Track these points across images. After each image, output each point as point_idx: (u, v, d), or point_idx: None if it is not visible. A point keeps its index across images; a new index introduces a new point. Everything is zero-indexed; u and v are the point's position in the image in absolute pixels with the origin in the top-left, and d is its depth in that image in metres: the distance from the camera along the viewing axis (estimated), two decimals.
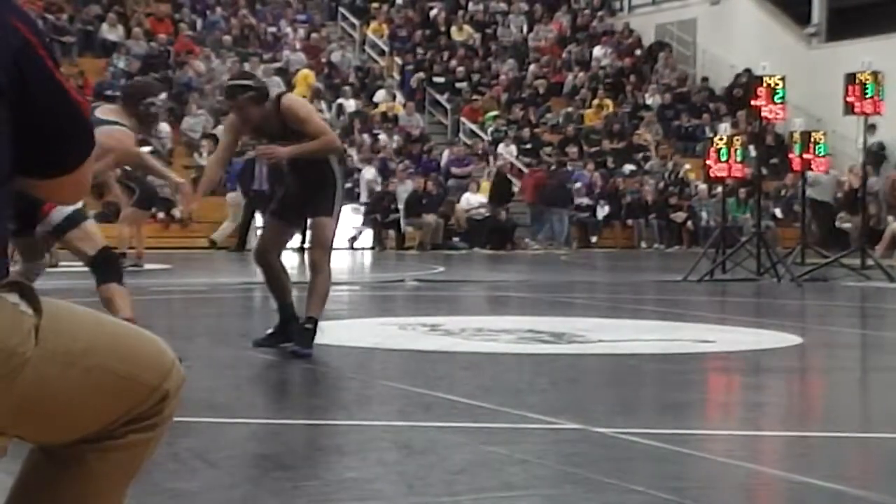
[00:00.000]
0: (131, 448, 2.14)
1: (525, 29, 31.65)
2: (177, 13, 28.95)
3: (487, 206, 23.89)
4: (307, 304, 7.17)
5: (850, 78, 14.84)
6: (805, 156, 15.73)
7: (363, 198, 24.05)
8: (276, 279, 7.36)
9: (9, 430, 2.02)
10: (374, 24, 30.26)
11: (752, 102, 15.10)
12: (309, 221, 7.36)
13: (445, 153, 25.81)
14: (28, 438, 2.11)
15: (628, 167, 26.32)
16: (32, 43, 2.01)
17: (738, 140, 16.29)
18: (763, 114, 15.13)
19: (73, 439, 2.10)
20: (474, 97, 28.30)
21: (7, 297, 2.02)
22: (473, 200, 24.08)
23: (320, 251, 7.26)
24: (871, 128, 19.04)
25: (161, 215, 22.75)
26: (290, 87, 26.54)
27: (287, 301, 7.35)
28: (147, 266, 16.19)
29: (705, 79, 29.99)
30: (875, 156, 19.46)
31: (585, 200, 25.13)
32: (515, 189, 24.82)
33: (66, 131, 2.07)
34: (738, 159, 15.85)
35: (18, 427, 2.04)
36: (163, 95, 7.15)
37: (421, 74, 28.07)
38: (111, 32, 27.14)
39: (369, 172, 24.30)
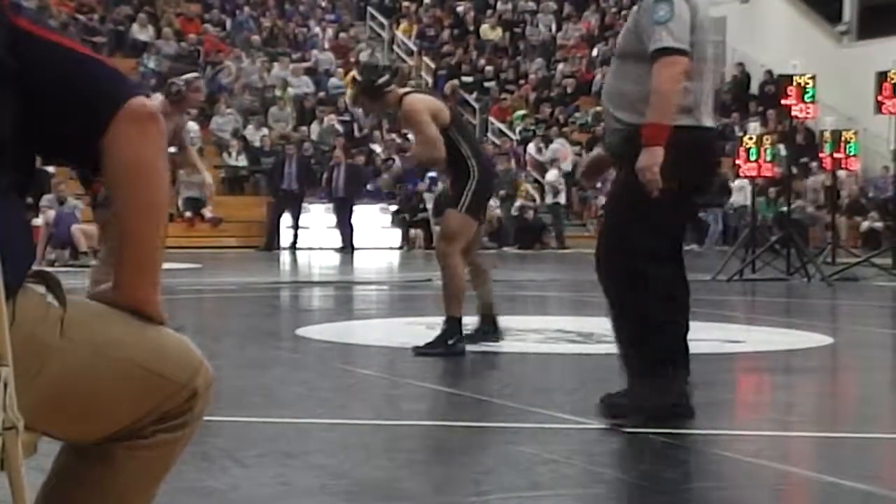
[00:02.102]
0: (160, 447, 2.14)
1: (553, 28, 31.61)
2: (206, 13, 29.06)
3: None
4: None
5: (882, 76, 14.75)
6: (836, 155, 15.65)
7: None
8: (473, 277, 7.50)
9: (37, 424, 2.02)
10: (402, 24, 30.28)
11: (783, 101, 15.02)
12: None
13: None
14: (57, 435, 2.11)
15: None
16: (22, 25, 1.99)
17: (767, 139, 16.22)
18: (793, 113, 15.06)
19: (102, 436, 2.10)
20: (502, 96, 28.28)
21: (34, 287, 2.02)
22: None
23: (443, 243, 7.29)
24: None
25: (188, 214, 22.86)
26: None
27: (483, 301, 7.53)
28: (177, 265, 16.24)
29: (735, 77, 29.87)
30: None
31: None
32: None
33: (98, 83, 2.01)
34: (768, 158, 15.79)
35: (46, 421, 2.04)
36: (188, 75, 7.26)
37: (455, 81, 27.99)
38: (141, 33, 27.27)
39: (397, 171, 24.34)
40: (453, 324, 7.11)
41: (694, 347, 7.89)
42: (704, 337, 8.56)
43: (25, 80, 1.98)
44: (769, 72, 27.66)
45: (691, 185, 5.07)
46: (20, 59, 1.98)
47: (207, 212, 22.35)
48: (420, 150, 7.27)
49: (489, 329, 7.51)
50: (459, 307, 7.13)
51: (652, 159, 4.83)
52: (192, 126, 24.72)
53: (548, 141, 26.90)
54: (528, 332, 8.51)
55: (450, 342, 7.09)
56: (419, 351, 7.13)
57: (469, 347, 7.37)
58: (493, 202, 23.60)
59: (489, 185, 7.35)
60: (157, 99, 7.20)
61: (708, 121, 5.07)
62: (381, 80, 7.21)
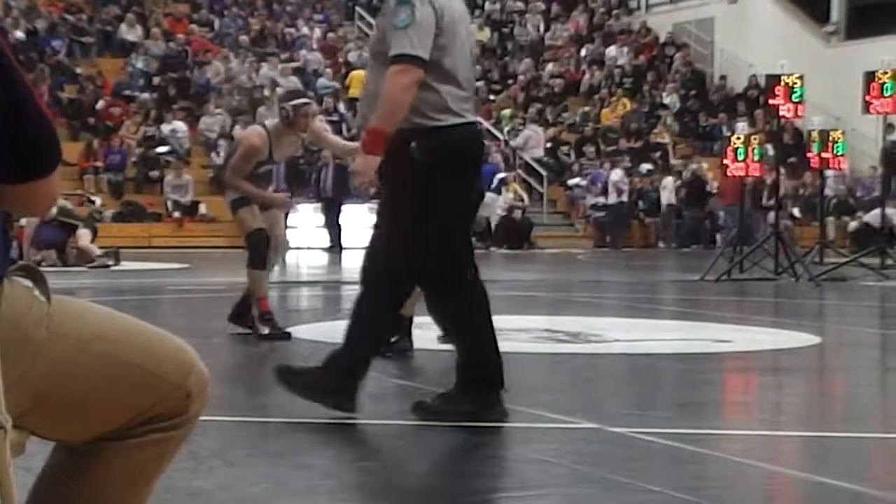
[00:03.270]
0: (153, 447, 2.13)
1: (542, 28, 31.63)
2: (195, 13, 29.02)
3: (685, 207, 23.78)
4: None
5: (869, 76, 14.78)
6: (823, 154, 15.68)
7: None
8: None
9: (25, 421, 2.01)
10: None
11: (770, 101, 15.05)
12: None
13: None
14: (46, 434, 2.10)
15: (645, 166, 26.28)
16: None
17: (755, 139, 16.25)
18: (781, 112, 15.09)
19: (93, 436, 2.09)
20: (491, 97, 28.29)
21: (20, 281, 2.02)
22: (489, 200, 24.08)
23: None
24: (889, 126, 18.96)
25: (177, 214, 22.82)
26: (346, 87, 26.77)
27: None
28: (165, 265, 16.23)
29: (723, 77, 29.92)
30: (889, 155, 19.36)
31: (602, 200, 25.10)
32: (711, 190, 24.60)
33: (41, 135, 2.01)
34: (756, 158, 15.82)
35: (35, 419, 2.02)
36: (297, 101, 7.98)
37: None
38: (130, 33, 27.23)
39: None
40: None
41: (682, 347, 7.93)
42: (692, 336, 8.58)
43: None
44: (753, 76, 27.68)
45: (459, 183, 4.93)
46: None
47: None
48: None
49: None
50: (411, 306, 7.17)
51: (366, 164, 4.75)
52: (180, 126, 24.74)
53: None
54: (516, 332, 8.51)
55: (392, 340, 7.12)
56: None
57: (451, 346, 7.38)
58: (489, 201, 23.66)
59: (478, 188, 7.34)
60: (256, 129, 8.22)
61: (461, 118, 4.89)
62: None
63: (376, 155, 4.75)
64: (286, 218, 8.58)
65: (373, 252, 5.07)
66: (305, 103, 8.05)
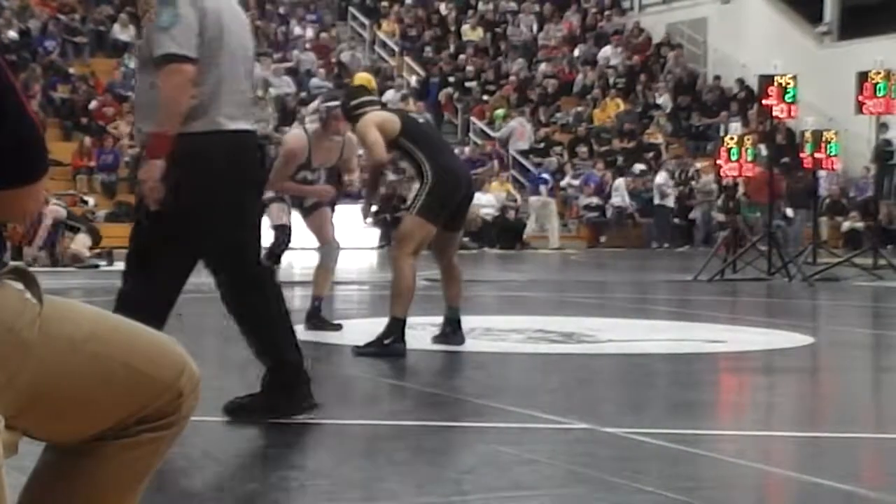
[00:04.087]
0: (145, 446, 2.12)
1: (535, 28, 31.63)
2: None
3: (723, 210, 23.74)
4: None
5: (862, 77, 14.79)
6: (817, 155, 15.69)
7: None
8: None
9: (18, 423, 2.01)
10: (384, 24, 30.26)
11: (764, 101, 15.06)
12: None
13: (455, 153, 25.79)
14: (39, 435, 2.10)
15: (639, 167, 26.29)
16: None
17: (748, 139, 16.25)
18: (774, 113, 15.09)
19: (85, 436, 2.09)
20: (484, 97, 28.28)
21: (12, 283, 2.01)
22: (483, 200, 24.08)
23: (394, 244, 7.52)
24: (882, 126, 18.96)
25: None
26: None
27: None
28: None
29: (716, 78, 29.94)
30: (881, 154, 19.36)
31: (595, 200, 25.11)
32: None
33: (25, 141, 2.00)
34: (749, 158, 15.82)
35: (27, 419, 2.02)
36: (331, 103, 8.05)
37: (449, 90, 27.94)
38: (123, 33, 27.18)
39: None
40: (394, 324, 7.14)
41: (675, 347, 7.93)
42: (686, 337, 8.58)
43: None
44: (741, 80, 27.69)
45: (225, 188, 4.80)
46: None
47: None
48: (366, 158, 7.67)
49: (449, 331, 7.51)
50: (402, 308, 7.16)
51: (150, 172, 4.68)
52: None
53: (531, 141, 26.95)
54: (509, 332, 8.50)
55: (386, 342, 7.10)
56: (358, 351, 7.15)
57: (444, 348, 7.39)
58: (484, 203, 23.65)
59: (450, 189, 7.28)
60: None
61: (233, 123, 4.81)
62: (354, 103, 7.45)
63: (159, 159, 4.67)
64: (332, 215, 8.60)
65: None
66: (337, 105, 7.97)
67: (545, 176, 24.65)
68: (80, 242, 16.51)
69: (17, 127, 1.97)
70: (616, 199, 24.93)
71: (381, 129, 7.25)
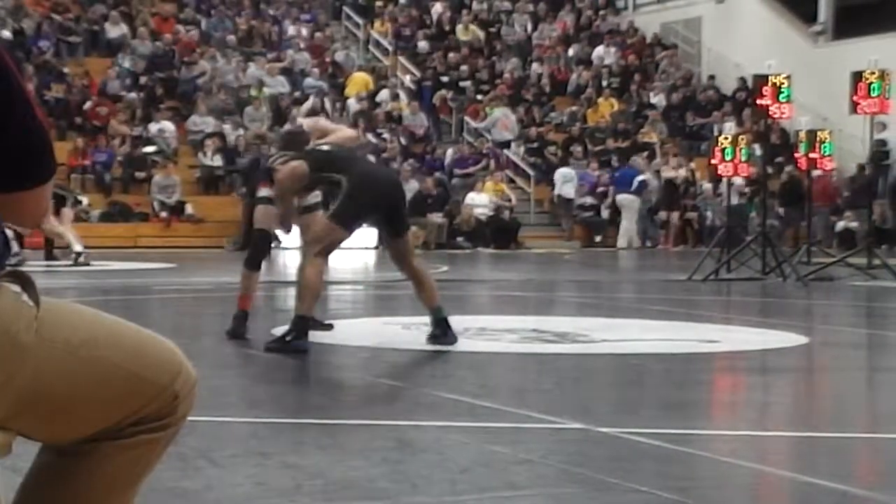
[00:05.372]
0: (141, 447, 2.13)
1: (529, 28, 31.62)
2: (181, 13, 28.96)
3: (782, 211, 23.72)
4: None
5: (857, 76, 14.80)
6: (811, 154, 15.70)
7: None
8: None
9: (13, 424, 2.01)
10: (378, 24, 30.25)
11: (758, 101, 15.07)
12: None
13: (449, 152, 25.81)
14: (35, 436, 2.10)
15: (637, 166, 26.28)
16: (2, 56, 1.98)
17: (743, 139, 16.27)
18: (769, 112, 15.10)
19: (81, 437, 2.09)
20: (478, 96, 28.28)
21: (9, 286, 2.01)
22: (478, 200, 24.09)
23: (307, 244, 7.69)
24: (880, 125, 18.96)
25: (164, 214, 22.76)
26: (343, 88, 26.80)
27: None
28: (152, 265, 16.20)
29: (711, 77, 29.96)
30: (876, 154, 19.38)
31: (589, 200, 25.11)
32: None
33: (32, 145, 2.02)
34: (744, 158, 15.84)
35: (23, 421, 2.02)
36: (310, 102, 8.18)
37: (443, 92, 27.95)
38: (116, 32, 27.16)
39: None
40: (297, 322, 7.26)
41: (669, 347, 7.93)
42: (680, 337, 8.58)
43: None
44: (742, 78, 27.69)
45: None
46: None
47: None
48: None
49: (440, 332, 7.52)
50: (308, 307, 7.30)
51: None
52: (168, 126, 24.69)
53: (527, 139, 26.94)
54: (503, 332, 8.50)
55: (288, 339, 7.23)
56: (266, 346, 7.31)
57: (438, 348, 7.40)
58: (478, 203, 23.64)
59: (370, 193, 7.39)
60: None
61: None
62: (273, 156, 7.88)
63: None
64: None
65: None
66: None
67: (642, 178, 24.57)
68: (66, 217, 16.38)
69: (25, 130, 1.97)
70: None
71: (293, 180, 7.60)
